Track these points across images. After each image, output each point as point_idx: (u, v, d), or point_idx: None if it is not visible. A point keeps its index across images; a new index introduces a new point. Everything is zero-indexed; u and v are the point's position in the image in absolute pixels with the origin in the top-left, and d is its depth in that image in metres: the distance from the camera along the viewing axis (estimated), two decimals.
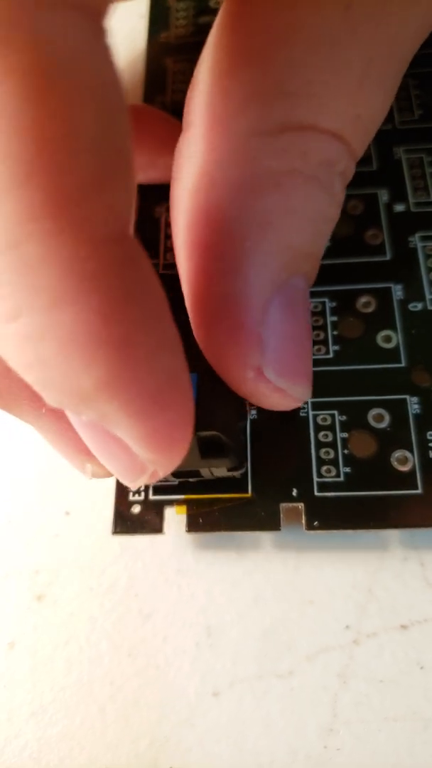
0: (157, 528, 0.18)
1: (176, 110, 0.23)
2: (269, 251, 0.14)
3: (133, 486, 0.15)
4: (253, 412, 0.19)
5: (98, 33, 0.11)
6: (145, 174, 0.21)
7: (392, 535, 0.19)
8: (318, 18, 0.14)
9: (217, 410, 0.15)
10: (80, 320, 0.10)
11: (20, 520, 0.21)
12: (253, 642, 0.19)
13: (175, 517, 0.19)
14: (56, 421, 0.16)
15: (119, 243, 0.11)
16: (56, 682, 0.19)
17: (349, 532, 0.18)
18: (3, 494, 0.22)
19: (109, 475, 0.15)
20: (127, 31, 0.28)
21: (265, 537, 0.20)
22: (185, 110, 0.16)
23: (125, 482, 0.15)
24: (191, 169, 0.15)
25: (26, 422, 0.17)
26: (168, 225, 0.21)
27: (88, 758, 0.18)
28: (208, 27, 0.23)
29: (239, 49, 0.14)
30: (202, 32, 0.24)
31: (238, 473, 0.18)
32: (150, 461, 0.14)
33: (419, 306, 0.19)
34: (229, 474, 0.17)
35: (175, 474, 0.17)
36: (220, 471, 0.17)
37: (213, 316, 0.15)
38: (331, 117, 0.14)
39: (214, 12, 0.24)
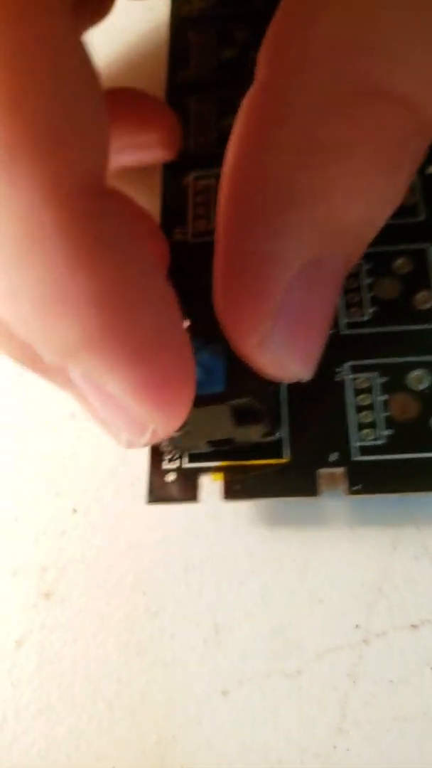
0: (191, 496, 0.18)
1: (199, 85, 0.23)
2: (314, 220, 0.14)
3: (137, 445, 0.15)
4: None
5: None
6: (125, 155, 0.21)
7: (403, 533, 0.19)
8: None
9: (248, 376, 0.15)
10: (48, 277, 0.10)
11: (27, 517, 0.21)
12: (262, 640, 0.19)
13: (209, 486, 0.18)
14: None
15: (90, 196, 0.11)
16: (63, 680, 0.19)
17: (359, 530, 0.18)
18: (10, 492, 0.22)
19: (145, 444, 0.15)
20: (148, 5, 0.28)
21: (274, 533, 0.20)
22: (258, 62, 0.15)
23: (126, 445, 0.15)
24: (253, 123, 0.14)
25: (63, 390, 0.16)
26: (196, 193, 0.21)
27: (95, 756, 0.18)
28: (231, 1, 0.23)
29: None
30: (226, 4, 0.24)
31: (272, 439, 0.18)
32: (147, 419, 0.14)
33: None
34: (264, 440, 0.17)
35: (211, 443, 0.17)
36: (254, 437, 0.17)
37: (234, 273, 0.14)
38: (412, 86, 0.13)
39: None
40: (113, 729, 0.18)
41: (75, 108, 0.11)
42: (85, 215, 0.11)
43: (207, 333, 0.15)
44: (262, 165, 0.14)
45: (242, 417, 0.16)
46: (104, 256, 0.11)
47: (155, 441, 0.15)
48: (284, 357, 0.15)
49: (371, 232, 0.15)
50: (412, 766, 0.17)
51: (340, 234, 0.14)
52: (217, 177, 0.20)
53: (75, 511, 0.21)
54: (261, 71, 0.14)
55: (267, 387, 0.16)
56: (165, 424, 0.14)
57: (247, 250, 0.14)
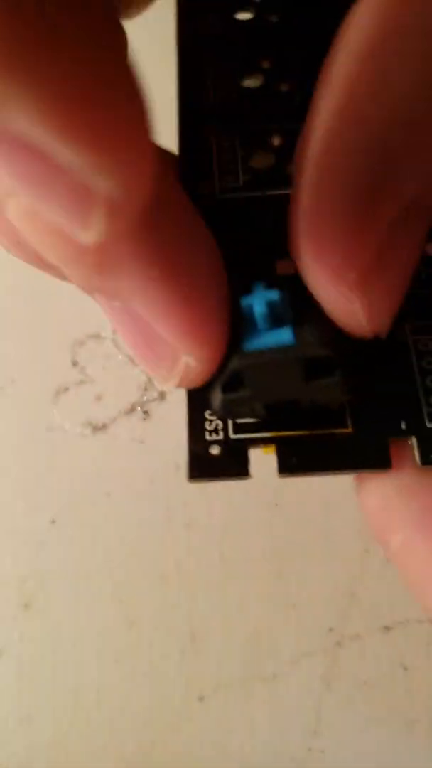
0: (241, 471, 0.15)
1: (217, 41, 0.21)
2: (428, 153, 0.12)
3: (167, 384, 0.14)
4: None
5: None
6: None
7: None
8: None
9: (322, 325, 0.13)
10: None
11: (6, 529, 0.22)
12: (237, 647, 0.19)
13: (260, 458, 0.16)
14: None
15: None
16: (43, 690, 0.19)
17: (331, 535, 0.17)
18: None
19: (178, 383, 0.14)
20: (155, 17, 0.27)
21: (249, 538, 0.20)
22: None
23: (158, 379, 0.14)
24: (383, 33, 0.13)
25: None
26: (222, 149, 0.19)
27: (75, 764, 0.19)
28: (245, 25, 0.22)
29: None
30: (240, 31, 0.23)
31: (350, 396, 0.15)
32: (178, 347, 0.13)
33: None
34: (342, 398, 0.15)
35: (269, 407, 0.15)
36: (330, 398, 0.15)
37: (334, 203, 0.13)
38: None
39: (253, 5, 0.22)
40: (93, 737, 0.19)
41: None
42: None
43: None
44: (388, 81, 0.12)
45: (314, 372, 0.14)
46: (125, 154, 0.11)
47: (189, 382, 0.14)
48: (379, 299, 0.13)
49: None
50: (386, 766, 0.18)
51: None
52: (241, 134, 0.18)
53: (53, 522, 0.22)
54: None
55: (343, 339, 0.14)
56: (198, 355, 0.13)
57: (355, 174, 0.12)
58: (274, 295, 0.13)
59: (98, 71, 0.09)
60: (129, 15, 0.18)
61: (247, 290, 0.13)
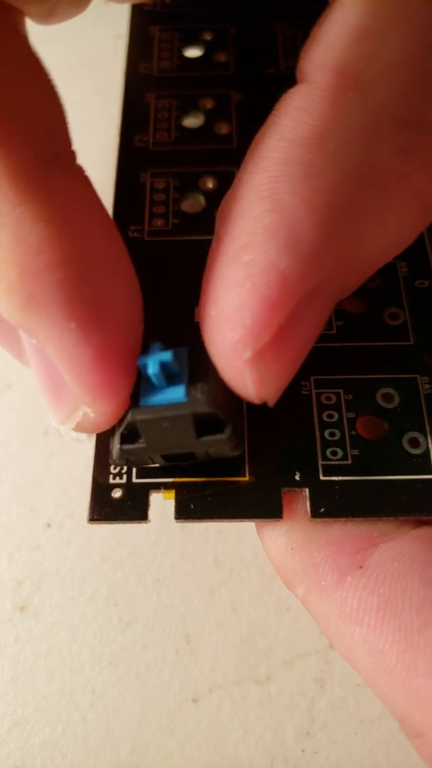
0: (140, 515, 0.16)
1: (160, 82, 0.21)
2: (340, 241, 0.13)
3: (64, 426, 0.14)
4: None
5: None
6: None
7: None
8: None
9: (214, 384, 0.14)
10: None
11: (2, 532, 0.22)
12: (232, 648, 0.19)
13: (161, 505, 0.17)
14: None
15: (44, 161, 0.13)
16: (38, 692, 0.19)
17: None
18: None
19: (72, 428, 0.14)
20: (101, 53, 0.28)
21: (243, 540, 0.20)
22: (301, 59, 0.14)
23: (56, 419, 0.14)
24: (303, 125, 0.13)
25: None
26: (154, 191, 0.19)
27: (70, 766, 0.19)
28: (195, 62, 0.23)
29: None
30: (189, 67, 0.23)
31: (239, 452, 0.16)
32: (80, 399, 0.13)
33: (426, 283, 0.18)
34: (230, 453, 0.16)
35: (167, 457, 0.15)
36: (219, 451, 0.15)
37: (240, 280, 0.13)
38: None
39: (203, 44, 0.23)
40: (87, 739, 0.19)
41: (27, 96, 0.13)
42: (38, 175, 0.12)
43: (162, 336, 0.14)
44: (303, 165, 0.13)
45: (204, 428, 0.14)
46: (55, 208, 0.12)
47: (85, 429, 0.14)
48: (271, 376, 0.14)
49: (375, 268, 0.14)
50: (379, 767, 0.18)
51: (356, 260, 0.14)
52: (174, 176, 0.19)
53: (49, 525, 0.22)
54: (306, 66, 0.13)
55: (232, 397, 0.15)
56: (96, 407, 0.13)
57: (263, 258, 0.13)
58: (167, 356, 0.13)
59: None
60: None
61: (146, 350, 0.14)
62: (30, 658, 0.20)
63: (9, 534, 0.22)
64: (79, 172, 0.13)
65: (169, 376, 0.14)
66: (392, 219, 0.13)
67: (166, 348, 0.14)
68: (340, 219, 0.13)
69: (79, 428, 0.14)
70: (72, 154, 0.13)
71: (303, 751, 0.18)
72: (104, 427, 0.14)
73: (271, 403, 0.14)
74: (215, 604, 0.20)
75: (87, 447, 0.24)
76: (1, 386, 0.24)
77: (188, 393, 0.13)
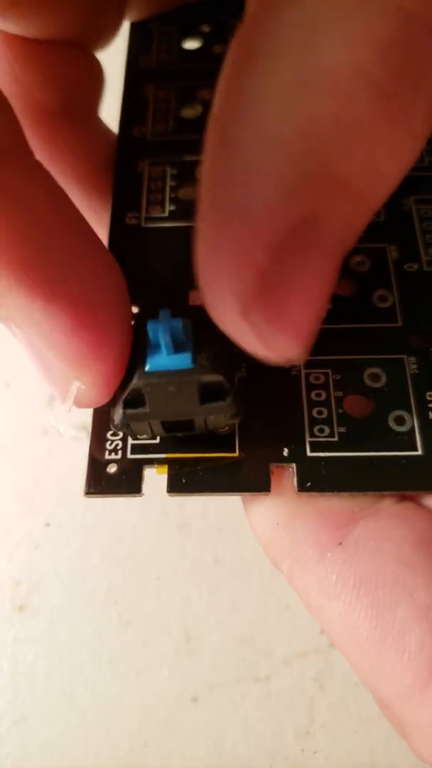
0: (135, 489, 0.16)
1: (159, 73, 0.22)
2: (307, 168, 0.12)
3: (65, 404, 0.14)
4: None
5: None
6: None
7: None
8: None
9: (217, 355, 0.14)
10: None
11: (1, 531, 0.22)
12: (231, 647, 0.19)
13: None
14: None
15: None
16: (37, 691, 0.19)
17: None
18: None
19: (72, 405, 0.15)
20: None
21: (243, 539, 0.20)
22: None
23: (58, 398, 0.15)
24: (241, 57, 0.12)
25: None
26: (151, 179, 0.20)
27: (69, 765, 0.19)
28: (194, 54, 0.23)
29: None
30: (187, 60, 0.24)
31: (237, 420, 0.16)
32: (67, 373, 0.14)
33: (414, 267, 0.19)
34: (229, 423, 0.16)
35: (166, 426, 0.16)
36: (219, 420, 0.16)
37: (216, 230, 0.12)
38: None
39: (202, 36, 0.23)
40: (87, 739, 0.19)
41: None
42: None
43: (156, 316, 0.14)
44: (250, 102, 0.12)
45: (208, 396, 0.15)
46: (24, 194, 0.13)
47: (84, 404, 0.14)
48: (269, 330, 0.13)
49: (375, 193, 0.13)
50: (378, 766, 0.18)
51: (338, 188, 0.12)
52: (172, 164, 0.20)
53: (48, 525, 0.22)
54: (250, 4, 0.12)
55: (234, 369, 0.16)
56: (88, 381, 0.14)
57: (231, 199, 0.12)
58: (177, 323, 0.14)
59: None
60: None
61: (155, 315, 0.14)
62: (29, 657, 0.20)
63: (8, 533, 0.22)
64: (34, 166, 0.14)
65: (176, 344, 0.14)
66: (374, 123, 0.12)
67: (172, 317, 0.14)
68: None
69: (79, 404, 0.14)
70: (21, 149, 0.14)
71: (302, 750, 0.18)
72: (101, 397, 0.14)
73: (296, 360, 0.14)
74: (215, 603, 0.20)
75: (86, 446, 0.24)
76: (0, 386, 0.24)
77: (195, 360, 0.14)
